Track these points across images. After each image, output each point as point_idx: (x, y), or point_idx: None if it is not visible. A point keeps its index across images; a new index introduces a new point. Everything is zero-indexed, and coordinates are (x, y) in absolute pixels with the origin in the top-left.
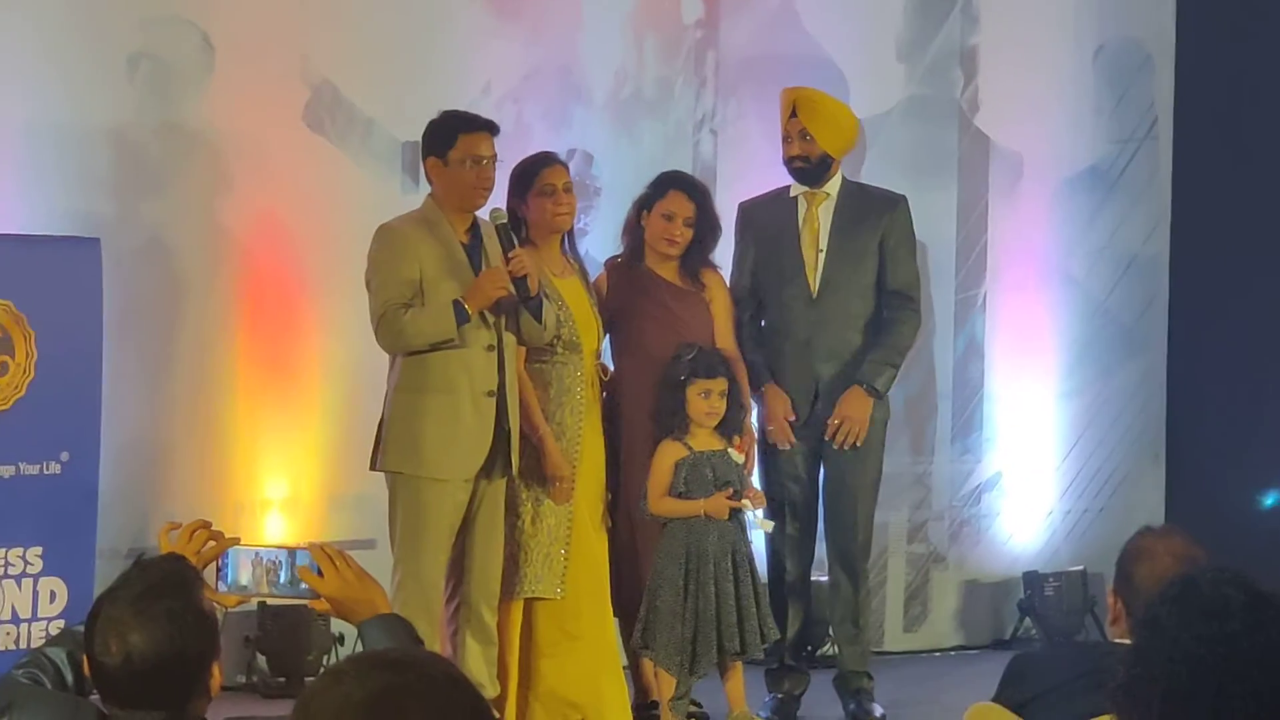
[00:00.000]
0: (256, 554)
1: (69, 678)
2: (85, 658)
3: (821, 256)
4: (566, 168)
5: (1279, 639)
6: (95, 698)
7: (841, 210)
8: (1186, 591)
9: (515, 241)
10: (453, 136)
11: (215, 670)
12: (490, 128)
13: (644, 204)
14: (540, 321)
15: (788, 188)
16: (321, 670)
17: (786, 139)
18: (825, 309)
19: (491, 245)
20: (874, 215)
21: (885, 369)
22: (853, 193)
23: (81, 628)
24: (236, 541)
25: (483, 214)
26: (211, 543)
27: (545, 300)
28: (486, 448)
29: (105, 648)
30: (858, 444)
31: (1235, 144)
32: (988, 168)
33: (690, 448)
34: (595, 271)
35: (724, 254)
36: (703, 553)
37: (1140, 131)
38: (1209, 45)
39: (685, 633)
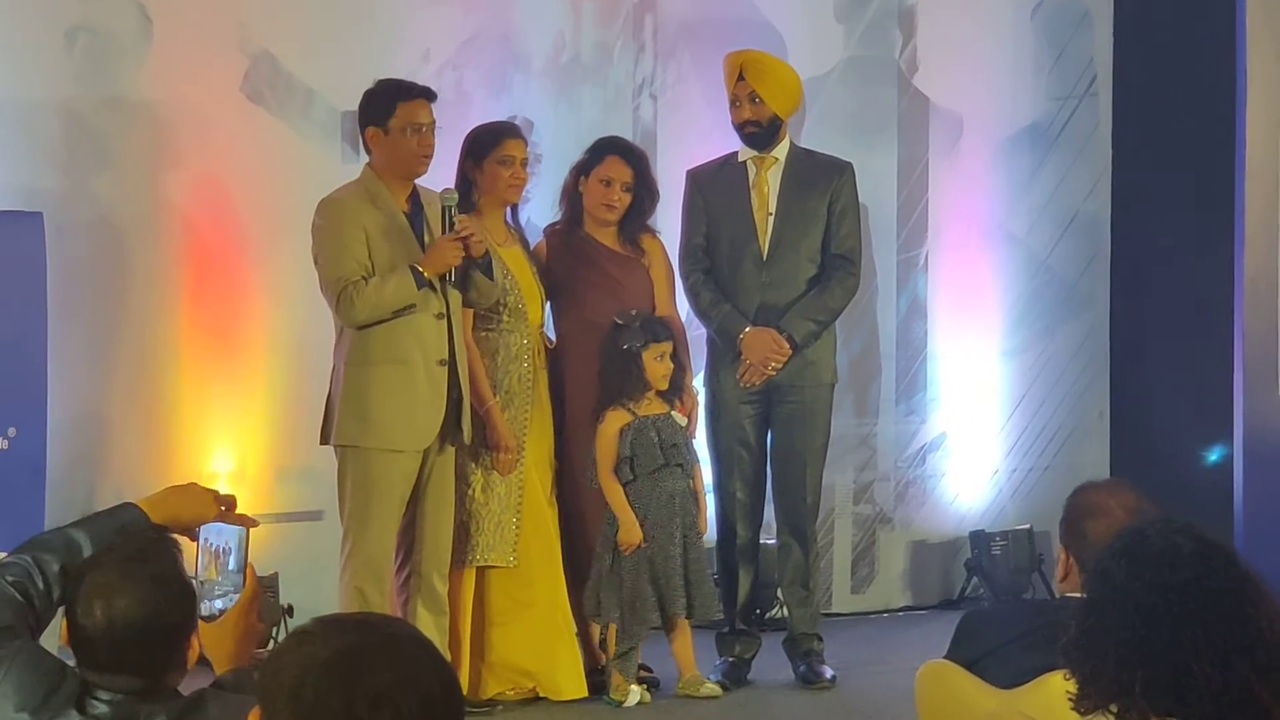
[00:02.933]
0: (206, 539)
1: (55, 592)
2: (65, 620)
3: (771, 220)
4: (526, 143)
5: (1229, 585)
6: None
7: (790, 175)
8: (1135, 543)
9: (455, 226)
10: (391, 105)
11: (194, 642)
12: (428, 95)
13: (581, 170)
14: (492, 278)
15: (735, 153)
16: (271, 641)
17: (735, 103)
18: (776, 272)
19: (432, 213)
20: (822, 180)
21: (806, 322)
22: (800, 158)
23: (77, 533)
24: (252, 524)
25: (425, 182)
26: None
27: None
28: (441, 417)
29: (89, 611)
30: (768, 373)
31: (1174, 99)
32: (927, 127)
33: (634, 413)
34: (535, 238)
35: (664, 219)
36: (650, 517)
37: (1080, 88)
38: (1146, 0)
39: (624, 594)
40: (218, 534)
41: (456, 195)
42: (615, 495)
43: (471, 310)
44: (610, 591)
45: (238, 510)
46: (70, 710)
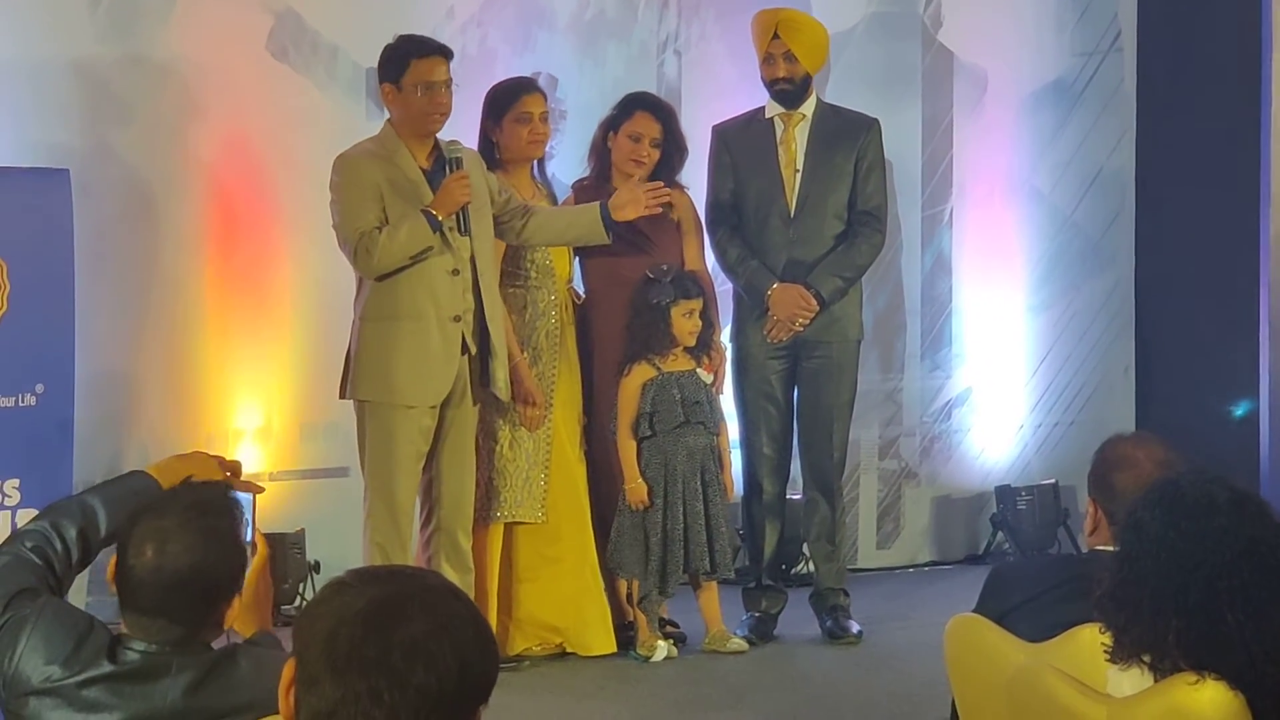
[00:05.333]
0: None
1: (74, 556)
2: (114, 559)
3: (798, 177)
4: (545, 96)
5: (1263, 532)
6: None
7: (817, 132)
8: (1169, 492)
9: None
10: (405, 62)
11: (235, 603)
12: (444, 52)
13: (610, 125)
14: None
15: (761, 109)
16: (299, 597)
17: (768, 61)
18: (803, 228)
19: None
20: (849, 137)
21: (833, 279)
22: (827, 115)
23: (92, 499)
24: (258, 490)
25: (445, 138)
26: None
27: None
28: (454, 373)
29: (140, 551)
30: (795, 329)
31: (1199, 54)
32: (952, 84)
33: (659, 369)
34: (562, 195)
35: (690, 175)
36: (671, 472)
37: (1104, 44)
38: None
39: (653, 549)
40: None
41: (460, 143)
42: (627, 453)
43: (500, 267)
44: (632, 547)
45: (243, 474)
46: (102, 661)
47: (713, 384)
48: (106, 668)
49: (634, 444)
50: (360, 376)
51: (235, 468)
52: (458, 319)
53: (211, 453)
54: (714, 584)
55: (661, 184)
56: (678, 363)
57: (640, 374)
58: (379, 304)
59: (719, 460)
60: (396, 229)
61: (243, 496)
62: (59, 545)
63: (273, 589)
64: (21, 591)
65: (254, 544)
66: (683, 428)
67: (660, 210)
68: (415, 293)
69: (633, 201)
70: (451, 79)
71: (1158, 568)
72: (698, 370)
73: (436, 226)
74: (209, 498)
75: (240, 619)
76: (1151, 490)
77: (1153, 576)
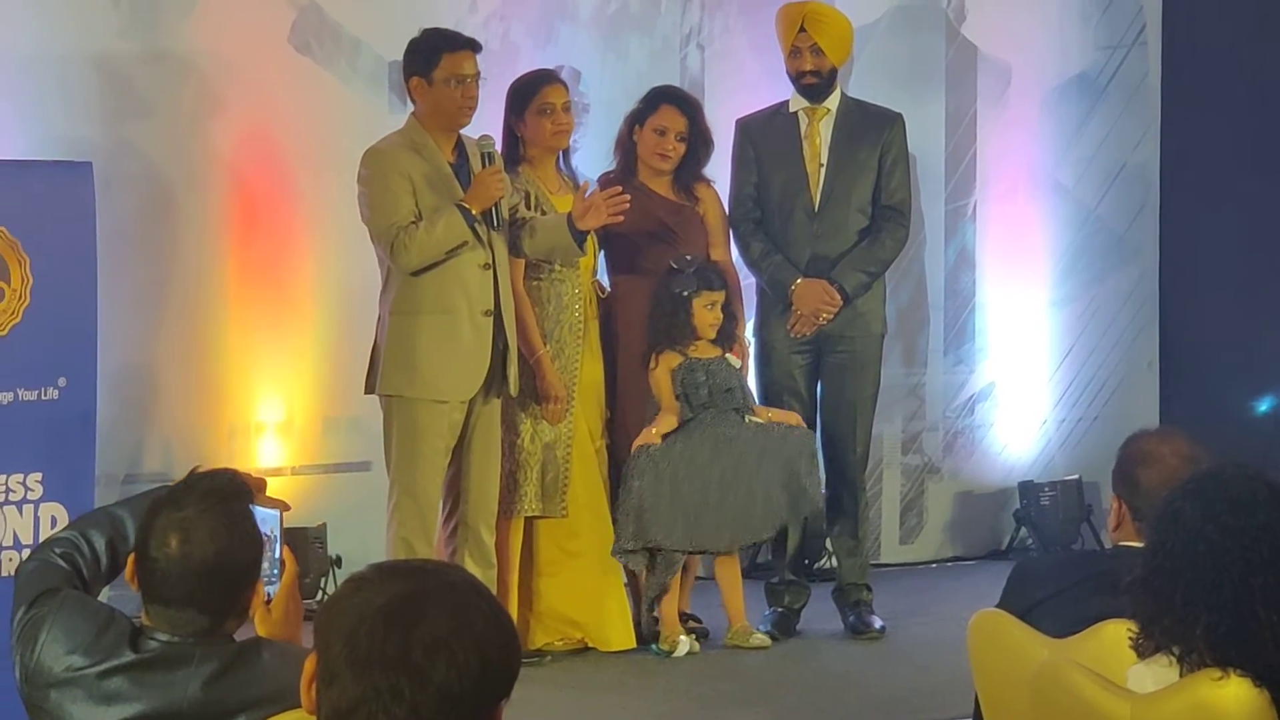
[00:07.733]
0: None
1: (104, 564)
2: (133, 555)
3: (823, 171)
4: (566, 86)
5: None
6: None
7: (841, 126)
8: (1209, 485)
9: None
10: (436, 56)
11: (258, 589)
12: (473, 46)
13: (636, 119)
14: (494, 227)
15: (785, 103)
16: (320, 592)
17: (795, 54)
18: (827, 223)
19: (477, 166)
20: (873, 131)
21: (857, 274)
22: (852, 109)
23: (121, 511)
24: (286, 507)
25: (472, 132)
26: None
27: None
28: (485, 368)
29: (164, 543)
30: (819, 324)
31: (1223, 48)
32: (975, 77)
33: (685, 355)
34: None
35: (714, 168)
36: (693, 454)
37: (1129, 37)
38: None
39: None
40: (260, 522)
41: (493, 139)
42: (667, 412)
43: (522, 260)
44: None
45: (270, 480)
46: (125, 650)
47: (740, 370)
48: (129, 656)
49: (674, 419)
50: (388, 371)
51: (260, 484)
52: (489, 313)
53: (238, 470)
54: (739, 580)
55: (620, 189)
56: (705, 350)
57: (668, 361)
58: (408, 298)
59: (769, 434)
60: (433, 223)
61: (270, 513)
62: (88, 552)
63: (302, 607)
64: (45, 592)
65: (283, 561)
66: (708, 413)
67: (621, 219)
68: (446, 287)
69: (593, 210)
70: (480, 72)
71: (1192, 560)
72: (727, 356)
73: (471, 221)
74: (223, 484)
75: (271, 635)
76: (1191, 480)
77: (1187, 568)
